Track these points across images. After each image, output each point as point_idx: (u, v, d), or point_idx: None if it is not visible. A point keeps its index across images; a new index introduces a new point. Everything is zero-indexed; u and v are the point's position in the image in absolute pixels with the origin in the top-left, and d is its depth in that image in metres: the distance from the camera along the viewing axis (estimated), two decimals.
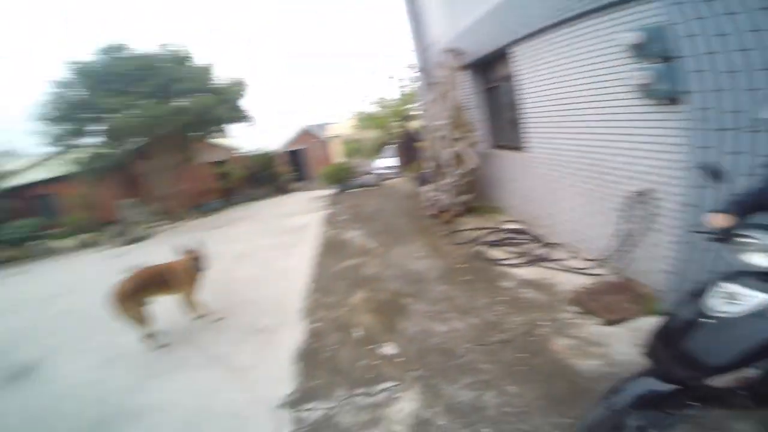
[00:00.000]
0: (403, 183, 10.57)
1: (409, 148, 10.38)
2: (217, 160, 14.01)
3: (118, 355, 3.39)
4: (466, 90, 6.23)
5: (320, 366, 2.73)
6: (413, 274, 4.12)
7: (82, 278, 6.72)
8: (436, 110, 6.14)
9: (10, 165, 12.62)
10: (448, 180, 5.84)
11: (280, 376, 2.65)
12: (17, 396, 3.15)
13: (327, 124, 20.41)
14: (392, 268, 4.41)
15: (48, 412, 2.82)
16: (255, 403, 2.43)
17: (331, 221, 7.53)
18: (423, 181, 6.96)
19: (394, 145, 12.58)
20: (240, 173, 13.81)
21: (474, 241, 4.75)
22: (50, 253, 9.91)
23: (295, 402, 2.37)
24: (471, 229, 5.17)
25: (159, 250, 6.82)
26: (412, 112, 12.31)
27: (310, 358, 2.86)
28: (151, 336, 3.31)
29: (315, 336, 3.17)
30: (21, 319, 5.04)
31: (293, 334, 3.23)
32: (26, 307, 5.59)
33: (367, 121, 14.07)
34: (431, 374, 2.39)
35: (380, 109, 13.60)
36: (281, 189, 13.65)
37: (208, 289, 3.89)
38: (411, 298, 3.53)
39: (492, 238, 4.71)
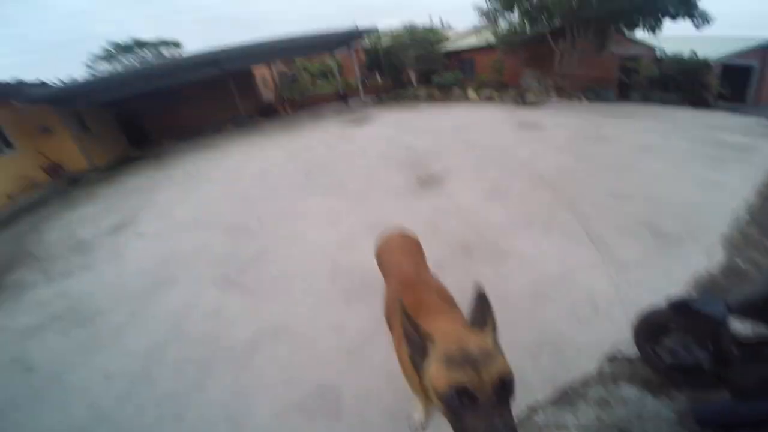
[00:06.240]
0: None
1: None
2: (630, 54, 12.35)
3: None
4: None
5: None
6: None
7: (480, 119, 9.02)
8: None
9: (449, 34, 18.49)
10: None
11: None
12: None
13: None
14: None
15: None
16: None
17: None
18: None
19: None
20: (649, 72, 11.34)
21: None
22: (462, 99, 12.97)
23: None
24: None
25: (547, 116, 8.58)
26: None
27: None
28: None
29: None
30: (435, 140, 7.30)
31: None
32: (440, 132, 7.92)
33: None
34: None
35: None
36: (700, 102, 10.18)
37: None
38: None
39: None
